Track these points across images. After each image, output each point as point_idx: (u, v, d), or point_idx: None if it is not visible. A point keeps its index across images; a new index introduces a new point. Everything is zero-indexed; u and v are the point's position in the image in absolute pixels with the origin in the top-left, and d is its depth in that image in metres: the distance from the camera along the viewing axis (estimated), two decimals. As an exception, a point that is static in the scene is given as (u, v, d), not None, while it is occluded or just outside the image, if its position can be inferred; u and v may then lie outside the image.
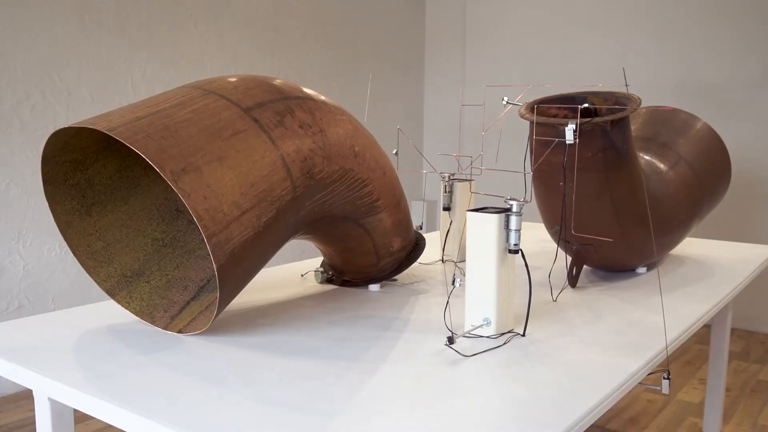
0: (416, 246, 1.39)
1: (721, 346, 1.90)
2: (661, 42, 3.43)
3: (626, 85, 1.64)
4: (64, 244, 2.50)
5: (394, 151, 1.28)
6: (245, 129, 1.01)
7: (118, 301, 1.10)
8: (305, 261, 1.63)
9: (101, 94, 2.61)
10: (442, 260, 1.63)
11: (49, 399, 0.92)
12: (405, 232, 1.32)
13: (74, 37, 2.50)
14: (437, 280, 1.43)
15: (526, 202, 1.02)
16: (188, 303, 1.12)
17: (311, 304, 1.23)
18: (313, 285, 1.39)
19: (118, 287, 1.12)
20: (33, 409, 2.28)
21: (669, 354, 0.99)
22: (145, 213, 1.19)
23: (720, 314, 1.88)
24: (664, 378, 0.95)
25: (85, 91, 2.55)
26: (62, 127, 0.96)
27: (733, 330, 3.30)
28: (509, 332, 1.05)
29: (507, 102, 1.28)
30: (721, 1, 3.25)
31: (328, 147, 1.11)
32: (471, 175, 1.57)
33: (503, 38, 3.99)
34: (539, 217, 3.86)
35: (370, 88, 3.95)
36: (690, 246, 1.90)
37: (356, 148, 1.16)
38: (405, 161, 4.24)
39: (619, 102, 1.34)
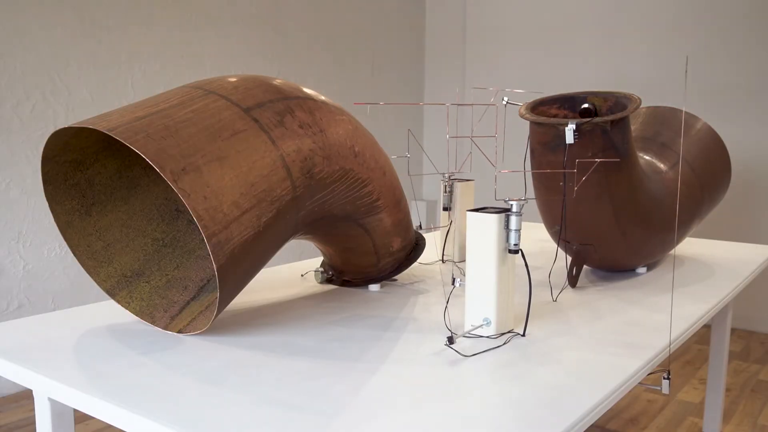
0: (416, 246, 1.39)
1: (721, 346, 1.90)
2: (661, 42, 3.43)
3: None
4: (64, 244, 2.50)
5: (406, 154, 1.26)
6: (245, 129, 1.01)
7: (118, 301, 1.10)
8: (305, 261, 1.63)
9: (101, 94, 2.61)
10: (442, 260, 1.63)
11: (49, 399, 0.92)
12: (405, 232, 1.32)
13: (74, 37, 2.50)
14: (437, 280, 1.43)
15: (526, 200, 1.02)
16: (188, 303, 1.12)
17: (311, 304, 1.23)
18: (313, 285, 1.39)
19: (118, 287, 1.12)
20: (33, 409, 2.28)
21: (669, 353, 0.99)
22: (145, 213, 1.19)
23: (720, 314, 1.88)
24: (664, 378, 0.95)
25: (85, 91, 2.55)
26: (62, 127, 0.96)
27: (733, 330, 3.30)
28: (509, 332, 1.05)
29: (507, 102, 1.28)
30: (722, 1, 3.25)
31: (328, 147, 1.11)
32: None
33: (503, 38, 3.99)
34: (539, 217, 3.85)
35: (370, 88, 3.94)
36: (690, 246, 1.90)
37: (356, 148, 1.16)
38: (404, 161, 4.24)
39: (619, 102, 1.34)
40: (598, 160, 1.27)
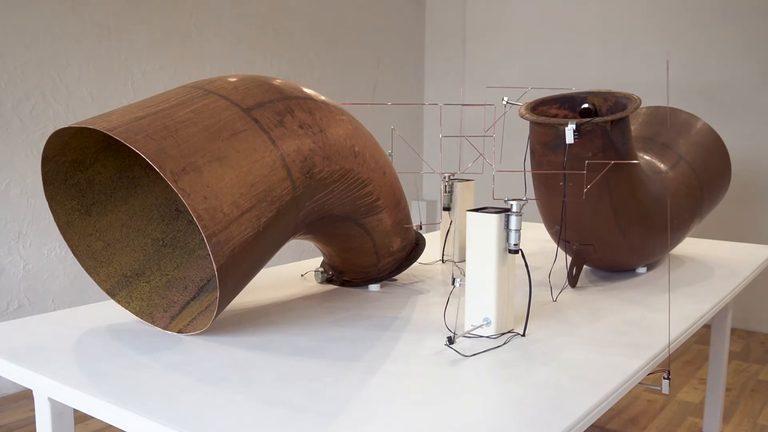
0: (416, 246, 1.39)
1: (721, 346, 1.89)
2: (661, 42, 3.43)
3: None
4: (64, 244, 2.50)
5: (389, 152, 1.28)
6: (245, 129, 1.01)
7: (118, 301, 1.10)
8: (305, 261, 1.63)
9: (101, 94, 2.61)
10: (442, 260, 1.63)
11: (49, 399, 0.92)
12: (405, 232, 1.32)
13: (74, 37, 2.50)
14: (437, 280, 1.43)
15: (526, 201, 1.02)
16: (188, 303, 1.12)
17: (311, 304, 1.23)
18: (313, 285, 1.39)
19: (118, 287, 1.12)
20: (33, 409, 2.28)
21: (669, 354, 0.99)
22: (145, 213, 1.19)
23: (720, 314, 1.88)
24: (664, 378, 0.95)
25: (85, 91, 2.55)
26: (62, 127, 0.96)
27: (733, 330, 3.29)
28: (509, 332, 1.05)
29: (507, 102, 1.28)
30: (722, 1, 3.25)
31: (328, 147, 1.11)
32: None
33: (503, 38, 3.99)
34: (539, 217, 3.85)
35: (370, 88, 3.94)
36: (690, 246, 1.90)
37: (356, 148, 1.16)
38: (405, 162, 4.24)
39: (619, 102, 1.34)
40: (612, 161, 1.27)
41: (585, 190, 1.30)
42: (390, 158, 1.14)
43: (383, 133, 4.04)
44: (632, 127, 1.73)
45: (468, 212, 1.02)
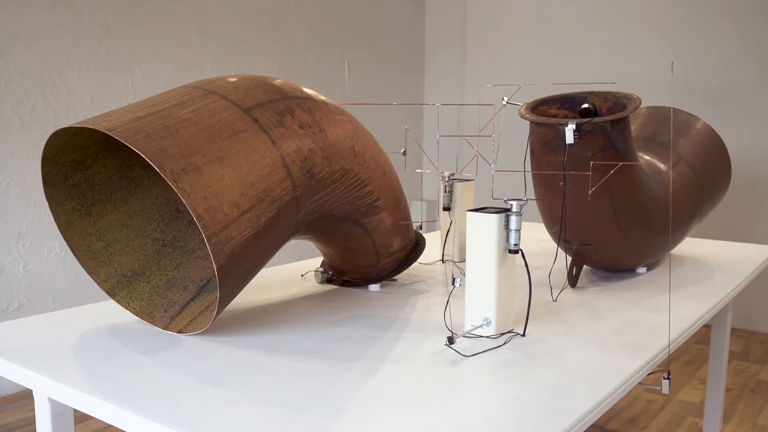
0: (416, 246, 1.39)
1: (721, 346, 1.89)
2: (661, 42, 3.43)
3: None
4: (64, 244, 2.50)
5: (402, 151, 1.27)
6: (245, 129, 1.01)
7: (118, 301, 1.10)
8: (305, 261, 1.63)
9: (101, 94, 2.61)
10: (442, 260, 1.63)
11: (49, 399, 0.92)
12: (405, 232, 1.32)
13: (74, 37, 2.50)
14: (437, 280, 1.43)
15: (526, 201, 1.02)
16: (188, 303, 1.12)
17: (311, 304, 1.23)
18: (313, 285, 1.39)
19: (118, 287, 1.12)
20: (33, 409, 2.28)
21: (669, 354, 0.99)
22: (145, 213, 1.19)
23: (720, 314, 1.88)
24: (664, 378, 0.95)
25: (85, 91, 2.55)
26: (62, 127, 0.96)
27: (733, 330, 3.29)
28: (509, 332, 1.05)
29: (507, 102, 1.28)
30: (722, 1, 3.25)
31: (328, 147, 1.11)
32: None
33: (503, 38, 3.99)
34: (539, 217, 3.85)
35: (370, 88, 3.94)
36: (690, 246, 1.90)
37: (356, 148, 1.16)
38: (403, 161, 4.24)
39: (619, 102, 1.34)
40: (619, 163, 1.27)
41: (590, 191, 1.30)
42: (404, 156, 1.14)
43: (383, 133, 4.04)
44: (632, 127, 1.73)
45: (468, 212, 1.02)
